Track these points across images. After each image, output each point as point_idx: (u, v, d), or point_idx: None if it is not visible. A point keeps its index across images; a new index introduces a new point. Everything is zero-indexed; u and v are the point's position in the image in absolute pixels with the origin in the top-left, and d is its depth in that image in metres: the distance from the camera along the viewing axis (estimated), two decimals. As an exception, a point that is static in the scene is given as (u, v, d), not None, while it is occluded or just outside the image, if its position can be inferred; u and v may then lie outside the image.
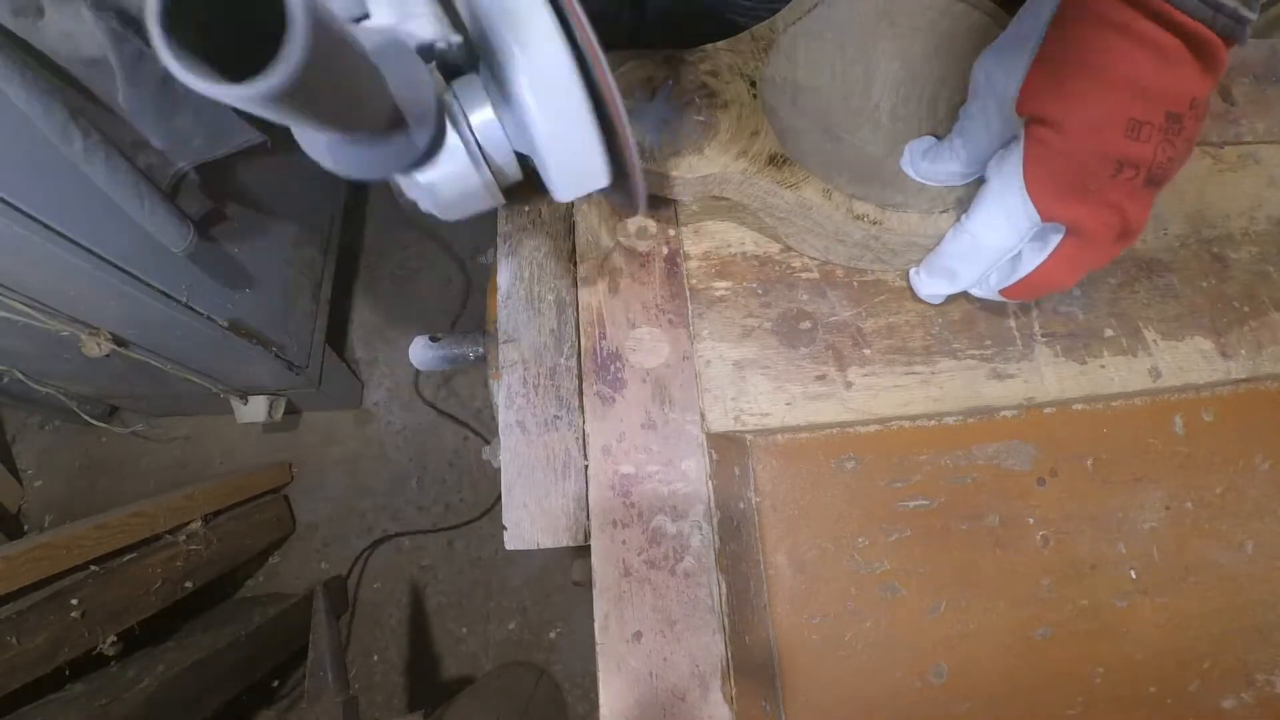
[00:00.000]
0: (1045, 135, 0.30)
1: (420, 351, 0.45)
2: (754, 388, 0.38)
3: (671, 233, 0.41)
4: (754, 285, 0.40)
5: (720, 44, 0.40)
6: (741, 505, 0.38)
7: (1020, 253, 0.34)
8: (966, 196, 0.36)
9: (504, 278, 0.41)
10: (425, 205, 0.27)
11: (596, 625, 0.33)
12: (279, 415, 1.18)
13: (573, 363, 0.39)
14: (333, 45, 0.16)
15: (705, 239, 0.42)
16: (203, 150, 0.71)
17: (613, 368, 0.38)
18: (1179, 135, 0.29)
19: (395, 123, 0.23)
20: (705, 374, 0.38)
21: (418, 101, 0.23)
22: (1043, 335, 0.40)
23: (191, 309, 0.86)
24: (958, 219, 0.36)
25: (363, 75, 0.20)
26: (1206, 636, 0.39)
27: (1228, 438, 0.41)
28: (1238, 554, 0.40)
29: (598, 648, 0.32)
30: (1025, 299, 0.36)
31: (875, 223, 0.37)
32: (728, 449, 0.38)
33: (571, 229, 0.42)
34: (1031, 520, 0.39)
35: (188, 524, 1.04)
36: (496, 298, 0.41)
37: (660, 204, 0.40)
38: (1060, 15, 0.29)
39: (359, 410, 1.39)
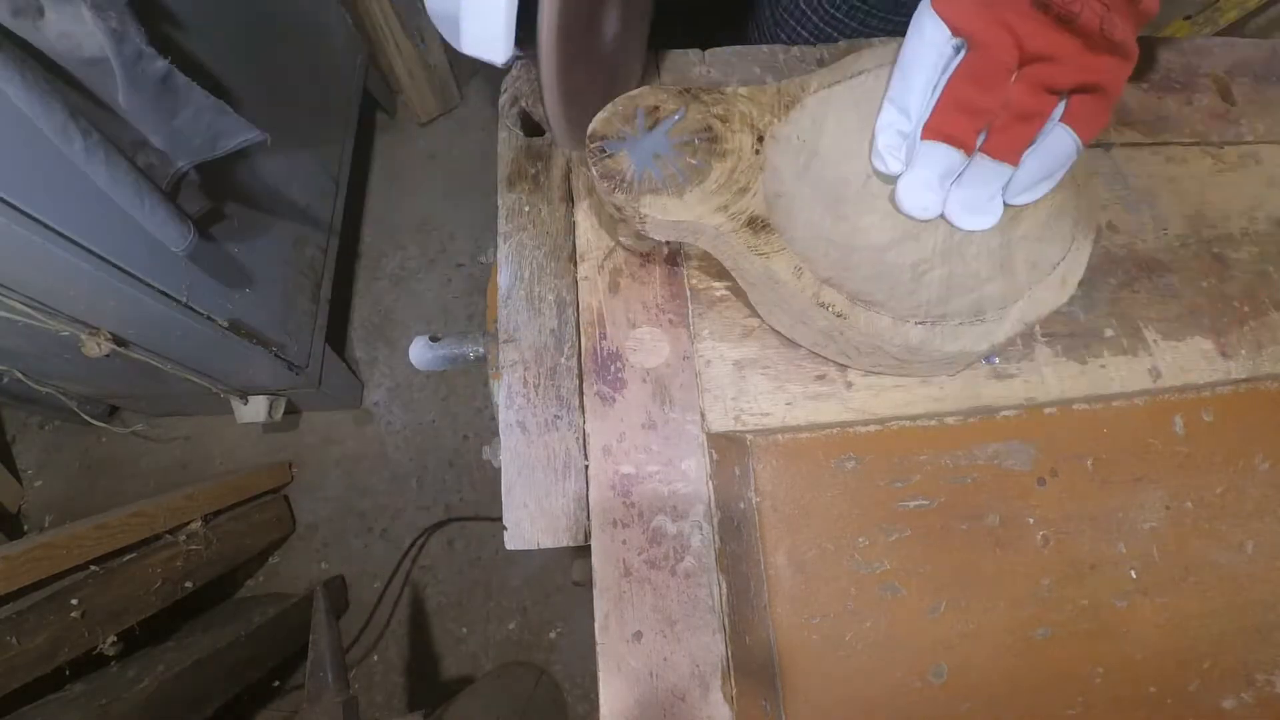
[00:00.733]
0: None
1: (420, 351, 0.45)
2: (754, 387, 0.38)
3: (671, 233, 0.41)
4: (754, 285, 0.40)
5: (742, 90, 0.38)
6: (742, 505, 0.38)
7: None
8: (948, 313, 0.34)
9: (504, 278, 0.41)
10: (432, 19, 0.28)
11: (596, 625, 0.33)
12: (279, 415, 1.18)
13: (573, 363, 0.39)
14: None
15: (705, 239, 0.41)
16: (203, 150, 0.72)
17: (613, 368, 0.38)
18: None
19: None
20: (705, 374, 0.38)
21: None
22: (1043, 335, 0.40)
23: (191, 309, 0.86)
24: (929, 334, 0.34)
25: None
26: (1206, 636, 0.39)
27: (1228, 438, 0.41)
28: (1238, 554, 0.40)
29: (598, 648, 0.32)
30: (949, 133, 0.35)
31: (840, 315, 0.34)
32: (728, 449, 0.38)
33: (571, 229, 0.42)
34: (1031, 520, 0.40)
35: (188, 524, 1.04)
36: (496, 298, 0.41)
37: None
38: None
39: (359, 410, 1.39)
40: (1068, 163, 0.36)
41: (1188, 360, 0.40)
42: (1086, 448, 0.41)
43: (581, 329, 0.39)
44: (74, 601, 0.83)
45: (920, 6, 0.35)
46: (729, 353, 0.39)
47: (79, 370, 0.99)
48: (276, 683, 1.19)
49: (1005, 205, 0.36)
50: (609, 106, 0.36)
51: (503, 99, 0.46)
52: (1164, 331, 0.41)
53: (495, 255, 0.42)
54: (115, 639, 0.89)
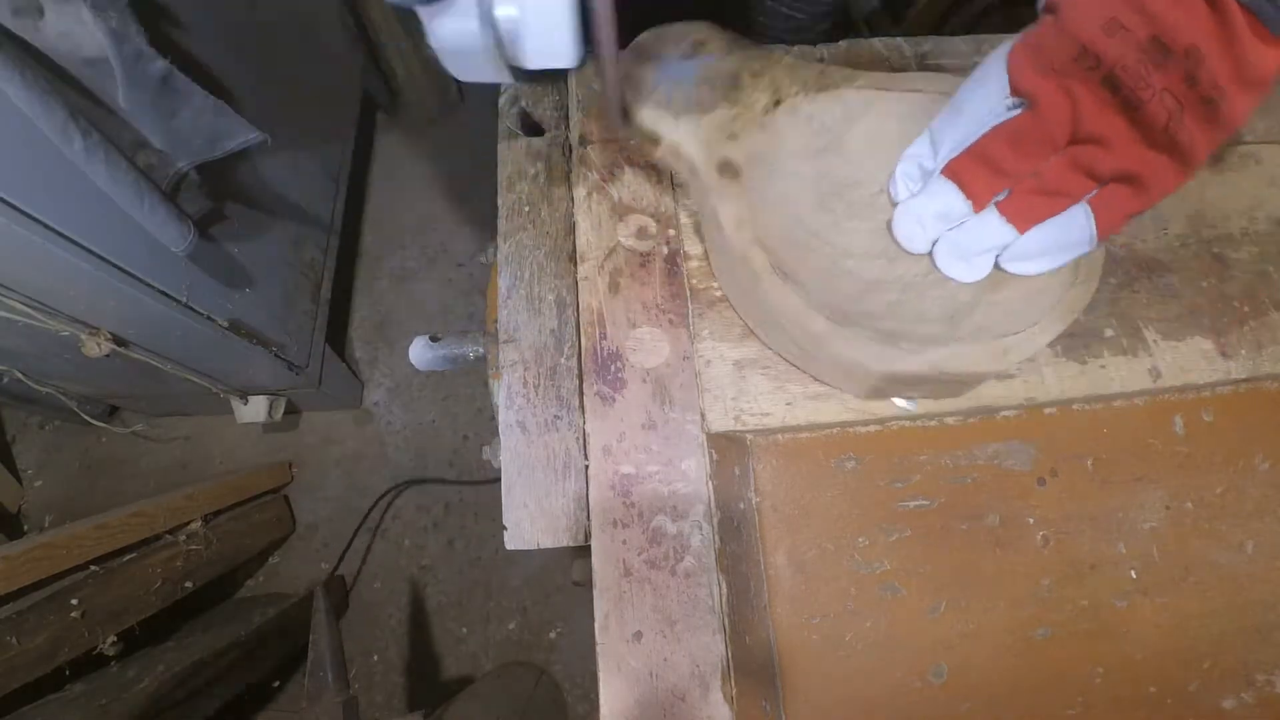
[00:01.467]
0: (1046, 20, 0.32)
1: (420, 351, 0.45)
2: (754, 387, 0.38)
3: (671, 232, 0.41)
4: (754, 285, 0.40)
5: (788, 58, 0.38)
6: (741, 505, 0.38)
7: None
8: (865, 325, 0.34)
9: (504, 278, 0.41)
10: (440, 55, 0.28)
11: (596, 625, 0.33)
12: (279, 415, 1.18)
13: (573, 363, 0.39)
14: None
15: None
16: (203, 150, 0.71)
17: (613, 368, 0.38)
18: (1166, 72, 0.29)
19: None
20: (705, 374, 0.38)
21: None
22: (1043, 335, 0.40)
23: (191, 309, 0.86)
24: (833, 331, 0.33)
25: None
26: (1206, 636, 0.39)
27: (1228, 438, 0.41)
28: (1238, 554, 0.40)
29: (598, 648, 0.32)
30: (964, 180, 0.34)
31: (755, 275, 0.34)
32: (728, 449, 0.38)
33: (571, 229, 0.42)
34: (1031, 520, 0.40)
35: (188, 524, 1.04)
36: (496, 298, 0.41)
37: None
38: None
39: (359, 410, 1.39)
40: (1075, 251, 0.34)
41: (1188, 360, 0.40)
42: (1086, 448, 0.40)
43: (581, 329, 0.39)
44: (74, 601, 0.83)
45: (994, 53, 0.34)
46: (729, 353, 0.39)
47: (79, 370, 0.99)
48: (276, 683, 1.19)
49: (996, 267, 0.35)
50: (665, 28, 0.39)
51: (503, 99, 0.46)
52: (1164, 331, 0.41)
53: (495, 255, 0.42)
54: (115, 639, 0.89)
